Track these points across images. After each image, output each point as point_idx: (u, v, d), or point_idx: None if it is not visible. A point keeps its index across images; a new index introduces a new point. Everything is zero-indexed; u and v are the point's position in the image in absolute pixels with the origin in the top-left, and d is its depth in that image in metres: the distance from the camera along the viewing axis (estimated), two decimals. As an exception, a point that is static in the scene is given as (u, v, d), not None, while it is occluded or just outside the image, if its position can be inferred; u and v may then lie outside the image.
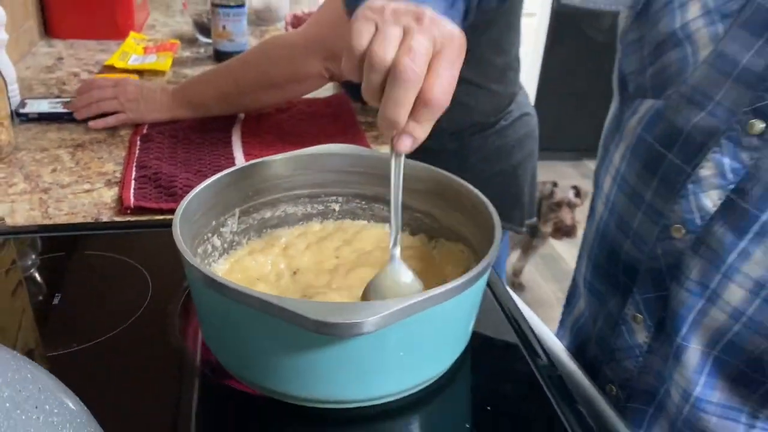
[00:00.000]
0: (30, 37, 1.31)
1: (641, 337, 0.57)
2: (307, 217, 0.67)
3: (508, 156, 1.19)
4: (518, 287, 2.31)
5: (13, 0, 1.17)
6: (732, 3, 0.48)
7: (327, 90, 1.13)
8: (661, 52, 0.53)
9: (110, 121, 0.98)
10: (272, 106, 1.05)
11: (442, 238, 0.64)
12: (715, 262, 0.49)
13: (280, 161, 0.63)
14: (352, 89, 1.17)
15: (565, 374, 0.57)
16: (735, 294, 0.48)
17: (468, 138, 1.14)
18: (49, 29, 1.40)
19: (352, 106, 1.11)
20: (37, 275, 0.64)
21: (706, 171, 0.49)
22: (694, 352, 0.52)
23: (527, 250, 2.25)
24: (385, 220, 0.66)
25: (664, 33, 0.53)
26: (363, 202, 0.67)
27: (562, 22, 2.99)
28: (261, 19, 1.61)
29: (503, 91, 1.14)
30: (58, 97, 1.05)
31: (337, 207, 0.67)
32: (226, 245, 0.61)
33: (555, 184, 2.13)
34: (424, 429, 0.50)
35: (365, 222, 0.67)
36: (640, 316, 0.56)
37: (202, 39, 1.44)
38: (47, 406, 0.32)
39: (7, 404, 0.30)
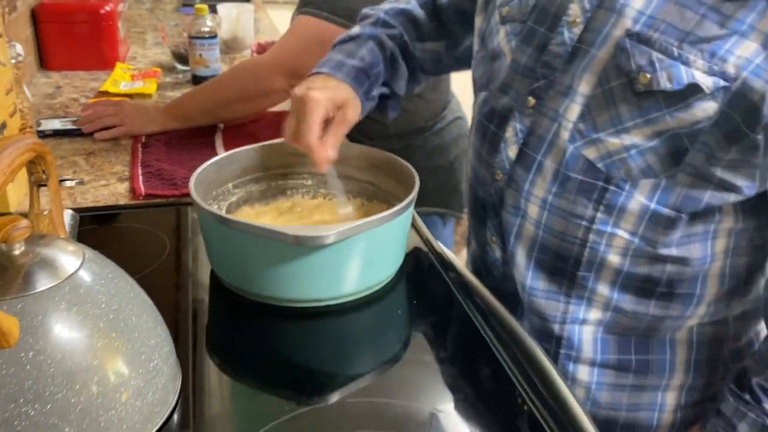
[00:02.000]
0: (31, 69, 1.51)
1: (497, 252, 0.80)
2: (283, 191, 0.89)
3: (445, 153, 1.43)
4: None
5: (14, 36, 1.37)
6: (517, 27, 0.73)
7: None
8: (491, 62, 0.79)
9: (113, 132, 1.19)
10: (246, 117, 1.27)
11: (376, 200, 0.86)
12: (519, 191, 0.73)
13: (259, 148, 0.86)
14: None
15: (468, 282, 0.80)
16: (533, 210, 0.72)
17: (411, 138, 1.37)
18: (44, 62, 1.61)
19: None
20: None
21: (508, 133, 0.74)
22: (521, 255, 0.75)
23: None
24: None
25: (491, 50, 0.79)
26: (322, 177, 0.89)
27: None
28: (229, 48, 1.84)
29: (437, 99, 1.39)
30: (65, 116, 1.26)
31: (306, 183, 0.89)
32: (223, 212, 0.83)
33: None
34: (376, 316, 0.73)
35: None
36: (494, 238, 0.80)
37: (180, 67, 1.66)
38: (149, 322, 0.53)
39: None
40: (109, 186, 1.01)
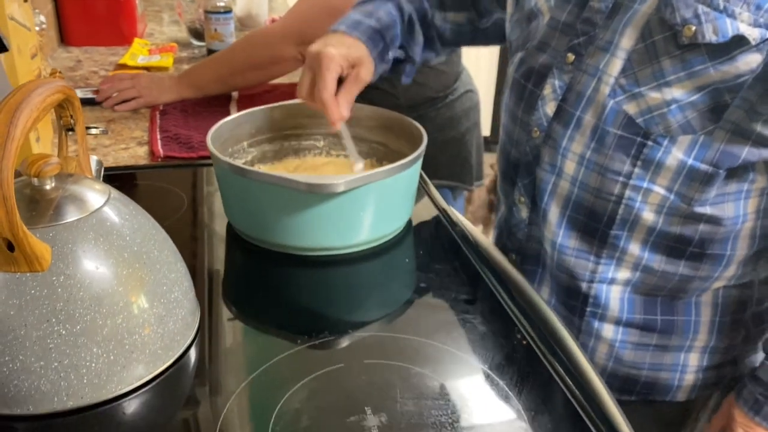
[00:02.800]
0: (52, 44, 1.55)
1: (524, 213, 0.82)
2: (296, 152, 0.92)
3: (456, 125, 1.45)
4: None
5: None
6: None
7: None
8: (527, 23, 0.80)
9: (131, 104, 1.22)
10: (258, 86, 1.30)
11: (386, 160, 0.89)
12: (556, 148, 0.75)
13: (274, 108, 0.89)
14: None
15: (469, 234, 0.82)
16: (569, 167, 0.74)
17: (422, 110, 1.40)
18: (65, 38, 1.65)
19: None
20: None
21: (546, 91, 0.75)
22: (553, 213, 0.77)
23: (487, 224, 2.51)
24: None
25: (527, 10, 0.80)
26: (334, 138, 0.92)
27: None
28: (244, 24, 1.86)
29: (449, 71, 1.41)
30: (86, 87, 1.29)
31: (318, 144, 0.92)
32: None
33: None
34: (385, 265, 0.76)
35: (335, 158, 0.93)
36: (523, 198, 0.82)
37: (195, 42, 1.69)
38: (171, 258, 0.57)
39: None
40: (129, 149, 1.05)
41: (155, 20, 1.97)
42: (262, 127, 0.89)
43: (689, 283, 0.75)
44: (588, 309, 0.78)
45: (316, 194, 0.69)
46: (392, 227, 0.78)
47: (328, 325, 0.63)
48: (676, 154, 0.68)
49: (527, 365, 0.60)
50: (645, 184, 0.70)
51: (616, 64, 0.69)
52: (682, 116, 0.66)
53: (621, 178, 0.70)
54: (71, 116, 0.59)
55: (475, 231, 0.87)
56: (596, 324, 0.78)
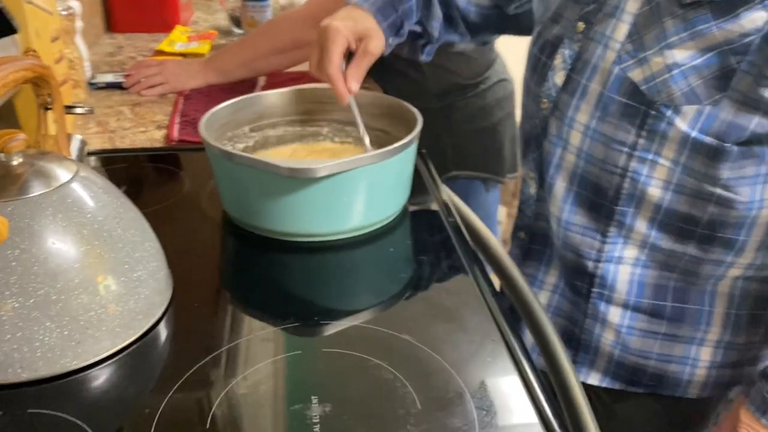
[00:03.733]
0: (96, 30, 1.60)
1: (532, 188, 0.81)
2: (300, 138, 0.91)
3: (488, 115, 1.41)
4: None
5: (83, 0, 1.46)
6: None
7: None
8: None
9: (158, 90, 1.24)
10: (285, 72, 1.30)
11: None
12: (562, 118, 0.73)
13: (278, 93, 0.88)
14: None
15: (482, 237, 0.80)
16: (575, 137, 0.72)
17: (451, 98, 1.36)
18: (111, 25, 1.70)
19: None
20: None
21: (557, 61, 0.74)
22: (559, 188, 0.75)
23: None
24: (356, 139, 0.90)
25: None
26: (338, 125, 0.91)
27: None
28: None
29: (480, 58, 1.37)
30: (120, 71, 1.33)
31: (322, 131, 0.91)
32: (239, 151, 0.86)
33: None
34: (371, 255, 0.74)
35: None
36: (531, 173, 0.80)
37: (236, 30, 1.71)
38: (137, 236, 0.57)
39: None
40: (147, 132, 1.06)
41: (202, 8, 2.00)
42: (264, 112, 0.88)
43: (699, 266, 0.71)
44: (595, 290, 0.76)
45: (298, 179, 0.68)
46: (382, 215, 0.76)
47: (296, 312, 0.62)
48: (680, 126, 0.65)
49: (499, 371, 0.57)
50: (650, 156, 0.68)
51: (622, 29, 0.68)
52: (686, 83, 0.64)
53: (626, 149, 0.69)
54: (48, 95, 0.60)
55: (479, 225, 0.84)
56: (602, 307, 0.76)
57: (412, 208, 0.81)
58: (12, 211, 0.52)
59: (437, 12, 0.93)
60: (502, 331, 0.60)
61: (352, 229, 0.74)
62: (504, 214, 2.46)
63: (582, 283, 0.76)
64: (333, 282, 0.70)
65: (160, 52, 1.51)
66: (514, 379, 0.55)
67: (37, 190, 0.54)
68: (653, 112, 0.66)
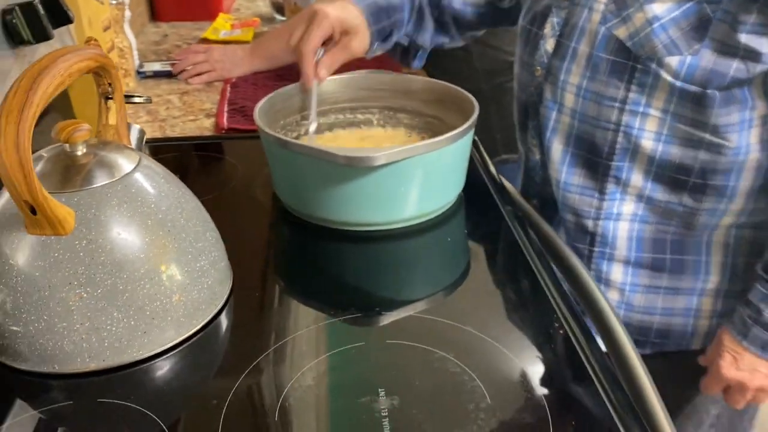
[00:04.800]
0: (142, 20, 1.61)
1: (537, 155, 0.83)
2: (351, 124, 0.90)
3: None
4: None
5: (128, -10, 1.47)
6: None
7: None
8: None
9: (204, 78, 1.25)
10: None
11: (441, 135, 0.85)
12: (555, 82, 0.76)
13: (329, 80, 0.87)
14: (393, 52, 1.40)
15: (525, 214, 0.79)
16: (569, 99, 0.75)
17: (501, 77, 1.34)
18: (156, 15, 1.71)
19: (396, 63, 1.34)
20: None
21: (546, 29, 0.78)
22: (556, 150, 0.78)
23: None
24: (407, 126, 0.89)
25: None
26: (390, 112, 0.89)
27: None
28: (328, -1, 1.86)
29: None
30: (167, 60, 1.33)
31: (373, 118, 0.90)
32: (291, 139, 0.86)
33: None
34: (427, 245, 0.73)
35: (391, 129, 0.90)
36: (534, 140, 0.82)
37: (279, 17, 1.71)
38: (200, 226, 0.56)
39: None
40: (197, 121, 1.07)
41: (244, -4, 2.00)
42: (317, 99, 0.87)
43: (694, 216, 0.74)
44: (596, 249, 0.79)
45: (356, 167, 0.67)
46: (438, 204, 0.75)
47: (356, 302, 0.61)
48: (665, 77, 0.69)
49: (565, 362, 0.55)
50: (641, 108, 0.71)
51: None
52: (666, 36, 0.67)
53: (617, 104, 0.72)
54: (109, 84, 0.60)
55: (531, 213, 0.82)
56: (605, 266, 0.79)
57: (467, 196, 0.79)
58: (78, 201, 0.52)
59: (429, 24, 0.97)
60: (568, 322, 0.59)
61: (408, 218, 0.73)
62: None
63: (583, 243, 0.79)
64: (391, 272, 0.69)
65: (205, 40, 1.51)
66: (584, 374, 0.53)
67: (101, 180, 0.53)
68: (640, 66, 0.69)
